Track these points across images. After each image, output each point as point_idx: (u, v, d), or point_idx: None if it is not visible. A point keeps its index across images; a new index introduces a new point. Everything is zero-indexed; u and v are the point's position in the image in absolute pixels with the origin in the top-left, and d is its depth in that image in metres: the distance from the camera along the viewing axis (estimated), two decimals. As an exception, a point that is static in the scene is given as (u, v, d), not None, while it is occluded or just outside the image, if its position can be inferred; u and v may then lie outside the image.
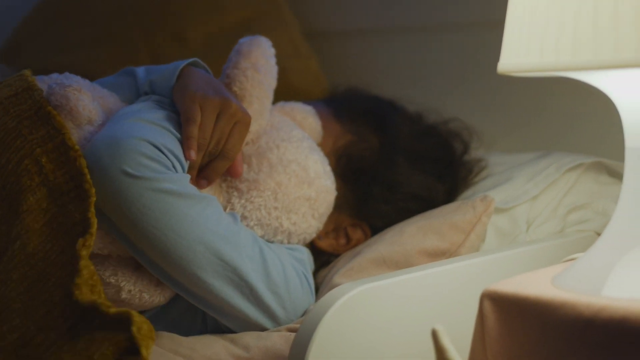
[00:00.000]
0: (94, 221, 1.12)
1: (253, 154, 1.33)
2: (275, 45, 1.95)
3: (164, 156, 1.18)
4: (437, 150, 1.51)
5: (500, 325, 1.00)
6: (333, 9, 2.05)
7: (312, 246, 1.44)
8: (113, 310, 1.06)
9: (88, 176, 1.14)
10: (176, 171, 1.19)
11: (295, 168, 1.33)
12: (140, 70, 1.36)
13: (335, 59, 2.01)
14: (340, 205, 1.43)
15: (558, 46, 0.93)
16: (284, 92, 1.85)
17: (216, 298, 1.21)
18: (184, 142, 1.21)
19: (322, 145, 1.45)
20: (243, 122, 1.26)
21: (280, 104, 1.47)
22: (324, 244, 1.44)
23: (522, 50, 0.97)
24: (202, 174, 1.26)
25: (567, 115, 1.69)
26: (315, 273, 1.41)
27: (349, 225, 1.46)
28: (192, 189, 1.20)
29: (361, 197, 1.45)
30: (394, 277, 1.15)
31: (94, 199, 1.13)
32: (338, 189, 1.42)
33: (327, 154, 1.43)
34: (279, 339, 1.19)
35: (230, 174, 1.30)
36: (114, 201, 1.16)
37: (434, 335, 0.96)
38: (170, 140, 1.20)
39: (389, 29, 1.96)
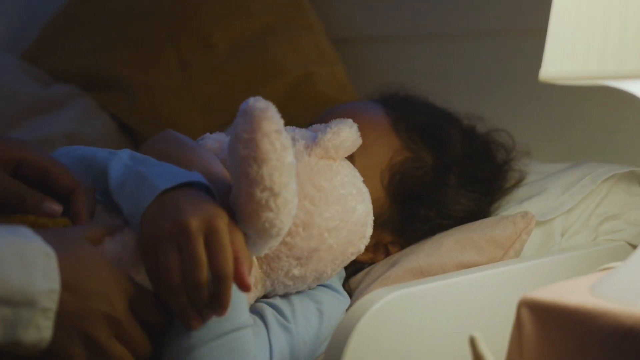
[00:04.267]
0: None
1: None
2: (301, 51, 1.96)
3: None
4: (488, 172, 1.48)
5: (538, 334, 1.00)
6: (360, 15, 2.04)
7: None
8: None
9: None
10: None
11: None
12: (117, 167, 1.14)
13: (362, 65, 2.01)
14: (384, 223, 1.41)
15: (603, 54, 0.93)
16: (309, 98, 1.85)
17: None
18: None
19: (379, 157, 1.41)
20: (214, 230, 1.02)
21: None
22: (362, 258, 1.42)
23: (566, 57, 0.96)
24: (211, 310, 1.05)
25: (603, 124, 1.69)
26: (348, 277, 1.40)
27: (389, 242, 1.44)
28: None
29: (407, 217, 1.42)
30: (429, 284, 1.15)
31: None
32: (385, 206, 1.40)
33: (383, 170, 1.41)
34: None
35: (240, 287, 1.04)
36: None
37: (472, 342, 0.96)
38: None
39: (417, 35, 1.96)
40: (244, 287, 1.02)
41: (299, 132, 1.22)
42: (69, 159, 1.18)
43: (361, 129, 1.40)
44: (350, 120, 1.20)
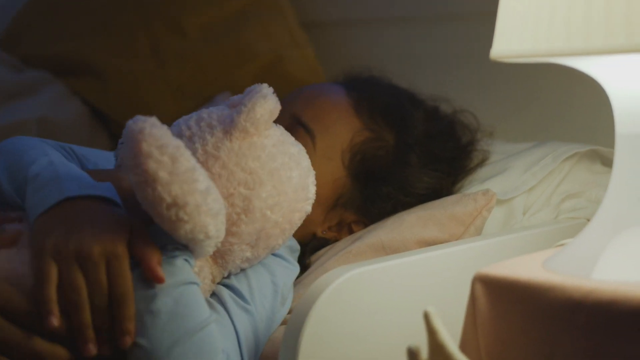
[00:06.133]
0: None
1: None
2: (272, 35, 1.97)
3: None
4: (451, 150, 1.49)
5: (492, 308, 1.01)
6: (330, -1, 2.06)
7: (313, 236, 1.44)
8: None
9: None
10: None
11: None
12: (42, 162, 1.17)
13: (332, 48, 2.02)
14: (346, 202, 1.43)
15: (550, 32, 0.94)
16: (281, 82, 1.86)
17: None
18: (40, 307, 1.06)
19: (340, 138, 1.43)
20: (114, 257, 1.06)
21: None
22: (326, 236, 1.44)
23: (515, 36, 0.98)
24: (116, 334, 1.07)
25: (561, 103, 1.71)
26: (310, 253, 1.42)
27: (352, 221, 1.45)
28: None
29: (369, 197, 1.44)
30: (387, 262, 1.16)
31: None
32: (347, 186, 1.42)
33: (344, 149, 1.42)
34: (275, 333, 1.21)
35: (155, 280, 1.09)
36: None
37: (426, 317, 0.97)
38: None
39: (386, 19, 1.97)
40: (157, 279, 1.07)
41: (216, 115, 1.19)
42: None
43: (323, 110, 1.41)
44: (264, 86, 1.16)
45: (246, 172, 1.16)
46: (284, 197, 1.18)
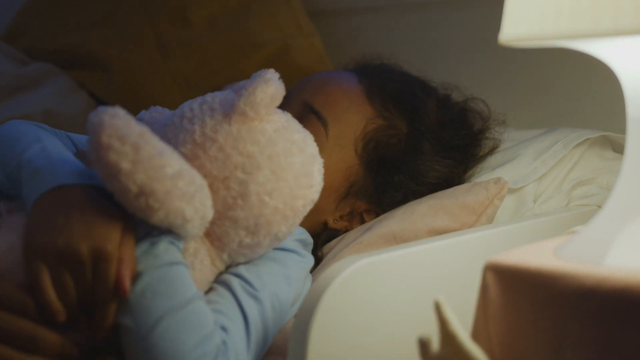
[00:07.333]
0: None
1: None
2: (278, 24, 1.96)
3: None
4: (463, 138, 1.48)
5: (503, 296, 1.00)
6: (336, -13, 2.04)
7: (324, 226, 1.43)
8: None
9: None
10: None
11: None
12: (36, 148, 1.18)
13: (338, 37, 2.01)
14: (358, 191, 1.42)
15: (557, 15, 0.93)
16: (287, 71, 1.85)
17: None
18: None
19: (353, 125, 1.41)
20: (102, 258, 1.07)
21: None
22: (338, 226, 1.43)
23: (523, 20, 0.96)
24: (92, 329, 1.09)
25: (573, 90, 1.69)
26: (323, 244, 1.40)
27: (364, 210, 1.44)
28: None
29: (381, 185, 1.42)
30: (397, 251, 1.15)
31: None
32: (359, 174, 1.41)
33: (357, 137, 1.41)
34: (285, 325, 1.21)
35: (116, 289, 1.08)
36: None
37: (437, 307, 0.96)
38: None
39: (392, 6, 1.96)
40: (120, 290, 1.06)
41: (219, 98, 1.18)
42: None
43: (335, 97, 1.40)
44: (270, 71, 1.15)
45: (243, 155, 1.14)
46: (284, 184, 1.16)
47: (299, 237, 1.30)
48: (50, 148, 1.17)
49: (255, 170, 1.14)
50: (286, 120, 1.19)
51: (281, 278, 1.22)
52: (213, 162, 1.14)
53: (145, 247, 1.10)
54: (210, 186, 1.13)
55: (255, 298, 1.17)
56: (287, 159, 1.17)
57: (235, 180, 1.14)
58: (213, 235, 1.16)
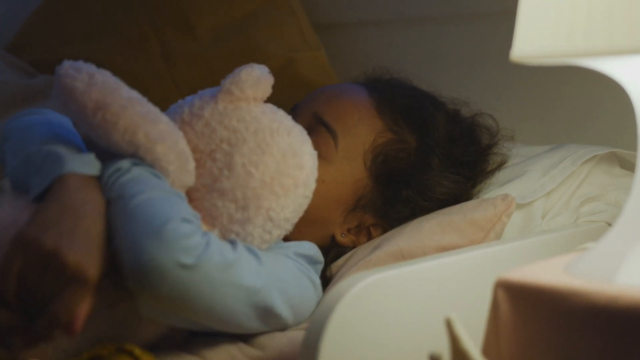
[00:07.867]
0: None
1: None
2: (283, 37, 1.96)
3: (195, 224, 1.12)
4: (472, 154, 1.47)
5: (514, 314, 1.00)
6: (342, 0, 2.04)
7: (332, 240, 1.43)
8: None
9: None
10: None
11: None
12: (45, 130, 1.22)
13: (344, 50, 2.01)
14: (366, 204, 1.42)
15: (571, 32, 0.93)
16: (292, 84, 1.85)
17: (239, 329, 1.18)
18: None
19: (362, 138, 1.41)
20: (80, 280, 1.06)
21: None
22: (345, 241, 1.43)
23: (535, 37, 0.96)
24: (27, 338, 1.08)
25: (581, 106, 1.69)
26: (329, 263, 1.40)
27: (371, 224, 1.44)
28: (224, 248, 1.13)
29: (389, 199, 1.42)
30: (406, 267, 1.15)
31: None
32: (367, 187, 1.41)
33: (366, 151, 1.41)
34: (295, 334, 1.20)
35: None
36: (174, 297, 1.09)
37: (448, 324, 0.96)
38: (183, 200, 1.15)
39: (398, 20, 1.95)
40: (72, 327, 1.06)
41: (212, 89, 1.25)
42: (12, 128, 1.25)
43: (345, 110, 1.40)
44: (258, 65, 1.22)
45: (229, 130, 1.20)
46: (270, 158, 1.20)
47: (307, 253, 1.30)
48: (60, 134, 1.19)
49: (241, 143, 1.19)
50: (277, 110, 1.25)
51: (305, 281, 1.25)
52: (200, 137, 1.20)
53: None
54: (198, 161, 1.19)
55: (258, 260, 1.18)
56: (273, 136, 1.21)
57: (220, 152, 1.19)
58: (203, 210, 1.19)
